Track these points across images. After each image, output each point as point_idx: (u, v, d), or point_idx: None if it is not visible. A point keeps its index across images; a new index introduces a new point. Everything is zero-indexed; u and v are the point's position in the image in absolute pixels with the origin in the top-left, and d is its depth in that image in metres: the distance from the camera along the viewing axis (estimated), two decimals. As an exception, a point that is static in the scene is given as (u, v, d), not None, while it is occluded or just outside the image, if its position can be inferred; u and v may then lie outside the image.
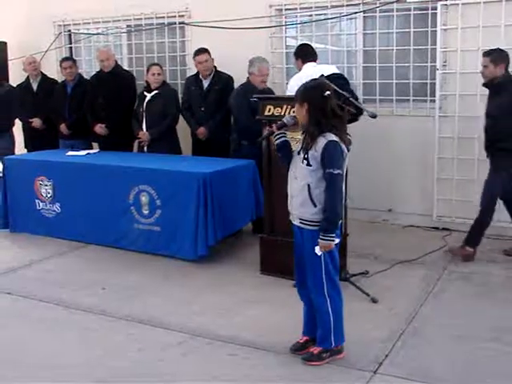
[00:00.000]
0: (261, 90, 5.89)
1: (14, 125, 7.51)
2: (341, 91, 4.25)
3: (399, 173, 6.36)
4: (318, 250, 3.49)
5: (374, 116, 4.44)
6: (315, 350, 3.65)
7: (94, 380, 3.51)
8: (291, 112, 4.76)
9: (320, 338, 3.63)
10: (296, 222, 3.64)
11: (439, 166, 6.21)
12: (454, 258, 5.37)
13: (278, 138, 3.71)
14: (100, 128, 6.69)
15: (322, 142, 3.41)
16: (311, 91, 3.49)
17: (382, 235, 5.91)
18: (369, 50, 6.50)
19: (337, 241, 3.52)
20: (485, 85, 5.24)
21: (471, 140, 5.94)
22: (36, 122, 7.19)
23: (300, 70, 5.49)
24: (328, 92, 3.45)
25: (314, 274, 3.58)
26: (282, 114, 4.79)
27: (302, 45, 5.87)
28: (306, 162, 3.47)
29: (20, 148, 7.59)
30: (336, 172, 3.40)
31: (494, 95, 5.17)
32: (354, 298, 4.47)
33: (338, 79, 5.18)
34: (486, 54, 5.19)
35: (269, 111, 4.88)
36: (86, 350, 3.87)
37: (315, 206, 3.48)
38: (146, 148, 6.46)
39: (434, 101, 6.17)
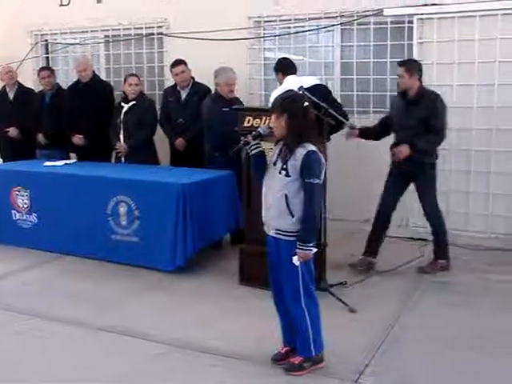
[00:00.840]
0: (229, 99, 5.94)
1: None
2: (320, 103, 4.30)
3: (376, 184, 6.39)
4: (295, 260, 3.50)
5: (353, 127, 4.52)
6: (296, 359, 3.66)
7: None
8: (266, 123, 4.82)
9: (300, 347, 3.64)
10: (272, 233, 3.65)
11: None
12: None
13: (254, 149, 3.72)
14: (77, 138, 6.66)
15: (300, 152, 3.44)
16: (290, 102, 3.52)
17: (359, 245, 5.94)
18: (346, 62, 6.57)
19: (314, 250, 3.54)
20: (401, 94, 5.23)
21: (447, 151, 6.02)
22: (12, 132, 7.12)
23: (281, 83, 5.53)
24: (306, 103, 3.49)
25: (291, 285, 3.60)
26: (262, 124, 4.81)
27: (282, 59, 5.94)
28: (284, 172, 3.48)
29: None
30: (316, 182, 3.44)
31: (410, 106, 5.11)
32: (333, 308, 4.50)
33: (320, 90, 5.26)
34: (401, 63, 5.18)
35: (248, 122, 4.91)
36: (69, 362, 3.83)
37: (292, 216, 3.49)
38: (123, 158, 6.43)
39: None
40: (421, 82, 5.14)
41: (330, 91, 5.47)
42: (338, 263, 5.42)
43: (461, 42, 5.92)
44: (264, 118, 4.82)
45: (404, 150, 5.03)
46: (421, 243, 6.16)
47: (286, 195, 3.49)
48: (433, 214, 5.30)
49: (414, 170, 5.18)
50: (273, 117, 3.55)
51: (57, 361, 3.84)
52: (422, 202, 5.33)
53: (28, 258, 5.90)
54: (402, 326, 4.28)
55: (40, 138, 6.96)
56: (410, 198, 6.23)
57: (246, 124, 4.90)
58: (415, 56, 6.08)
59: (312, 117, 3.52)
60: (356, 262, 5.39)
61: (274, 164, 3.57)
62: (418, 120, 5.03)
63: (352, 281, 5.12)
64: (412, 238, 6.31)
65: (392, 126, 5.27)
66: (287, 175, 3.48)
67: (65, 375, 3.65)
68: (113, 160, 6.83)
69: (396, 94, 5.44)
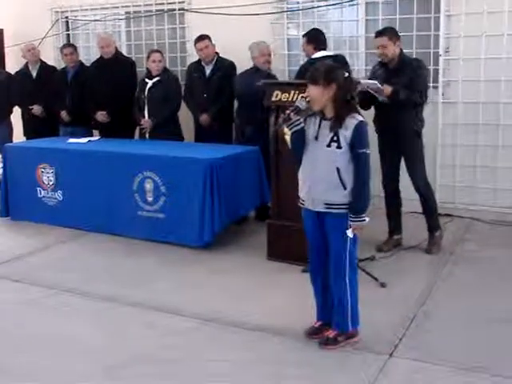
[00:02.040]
0: (266, 73, 5.88)
1: (12, 112, 7.46)
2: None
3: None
4: (350, 233, 3.48)
5: (385, 101, 4.49)
6: (331, 333, 3.66)
7: (117, 363, 3.51)
8: (299, 97, 4.77)
9: (337, 321, 3.64)
10: (319, 208, 3.57)
11: (442, 152, 6.23)
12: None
13: (296, 125, 3.59)
14: (101, 115, 6.65)
15: (351, 122, 3.41)
16: (338, 72, 3.47)
17: (384, 221, 5.91)
18: (371, 36, 6.48)
19: (367, 220, 3.49)
20: (384, 64, 5.11)
21: (475, 126, 5.98)
22: (36, 109, 7.11)
23: (308, 55, 5.48)
24: (347, 73, 3.46)
25: (337, 259, 3.56)
26: (290, 99, 4.78)
27: (316, 30, 5.87)
28: (335, 144, 3.43)
29: (18, 136, 7.51)
30: (368, 152, 3.44)
31: (394, 75, 4.98)
32: (363, 283, 4.41)
33: (340, 61, 5.23)
34: (381, 33, 5.05)
35: (276, 97, 4.87)
36: (104, 336, 3.85)
37: (345, 188, 3.46)
38: (147, 135, 6.41)
39: (437, 87, 6.17)
40: (401, 49, 5.06)
41: (347, 63, 5.43)
42: (363, 238, 5.38)
43: (489, 13, 5.80)
44: (292, 92, 4.79)
45: (388, 89, 4.85)
46: (445, 218, 6.12)
47: (338, 168, 3.44)
48: (423, 185, 5.20)
49: (400, 140, 5.08)
50: (315, 88, 3.48)
51: (90, 336, 3.86)
52: (409, 173, 5.18)
53: (54, 234, 5.93)
54: (433, 301, 4.26)
55: (63, 115, 6.95)
56: (437, 173, 6.25)
57: (274, 98, 4.87)
58: (442, 29, 6.01)
59: (355, 87, 3.49)
60: (382, 245, 5.34)
61: (316, 138, 3.52)
62: (403, 85, 4.90)
63: (380, 256, 5.12)
64: (439, 214, 6.24)
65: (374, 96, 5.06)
66: (338, 147, 3.43)
67: (99, 351, 3.66)
68: (136, 136, 6.83)
69: (376, 64, 5.29)
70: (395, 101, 4.86)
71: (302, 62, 6.10)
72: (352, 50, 6.57)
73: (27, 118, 7.32)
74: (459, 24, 5.97)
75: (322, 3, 6.60)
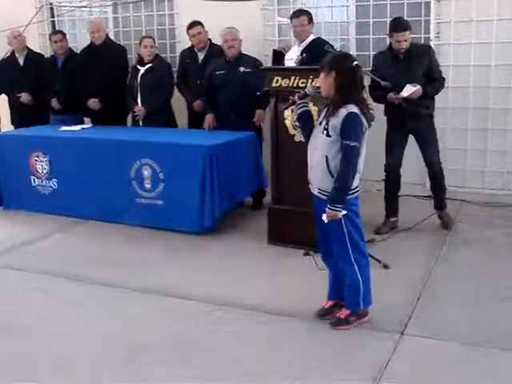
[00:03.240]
0: (234, 58, 5.98)
1: (-3, 100, 7.38)
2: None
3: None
4: (324, 218, 3.53)
5: (389, 87, 4.56)
6: (342, 313, 3.74)
7: (135, 348, 3.55)
8: (299, 83, 4.83)
9: (349, 301, 3.72)
10: (315, 192, 3.67)
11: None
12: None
13: (300, 108, 3.74)
14: (93, 103, 6.61)
15: (342, 112, 3.44)
16: (340, 60, 3.53)
17: (378, 204, 6.00)
18: (361, 22, 6.55)
19: (343, 212, 3.51)
20: (391, 54, 5.19)
21: (465, 110, 6.09)
22: (24, 97, 7.03)
23: (302, 37, 5.58)
24: (356, 62, 3.49)
25: (338, 242, 3.65)
26: (290, 85, 4.83)
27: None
28: (325, 132, 3.50)
29: (6, 124, 7.44)
30: (352, 144, 3.42)
31: (407, 62, 5.09)
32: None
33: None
34: (405, 27, 5.04)
35: (276, 82, 4.90)
36: (118, 322, 3.89)
37: (333, 177, 3.51)
38: (141, 122, 6.40)
39: (428, 71, 6.27)
40: None
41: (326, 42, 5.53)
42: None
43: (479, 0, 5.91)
44: (293, 77, 4.83)
45: (419, 90, 4.99)
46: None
47: (326, 156, 3.51)
48: (438, 162, 5.38)
49: (416, 123, 5.22)
50: (321, 75, 3.54)
51: (99, 323, 3.89)
52: (426, 153, 5.35)
53: (51, 223, 5.92)
54: (437, 280, 4.39)
55: (54, 103, 6.89)
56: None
57: (274, 84, 4.90)
58: (433, 15, 6.10)
59: (360, 78, 3.52)
60: (380, 227, 5.44)
61: (320, 124, 3.59)
62: (421, 74, 5.08)
63: (378, 238, 5.22)
64: (429, 197, 6.37)
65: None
66: (328, 135, 3.50)
67: (110, 336, 3.70)
68: (129, 124, 6.82)
69: (381, 53, 5.36)
70: (426, 97, 5.08)
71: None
72: (343, 35, 6.63)
73: (15, 106, 7.22)
74: (449, 9, 6.05)
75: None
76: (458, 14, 6.01)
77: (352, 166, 3.48)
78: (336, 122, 3.46)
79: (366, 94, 3.74)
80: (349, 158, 3.45)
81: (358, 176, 3.57)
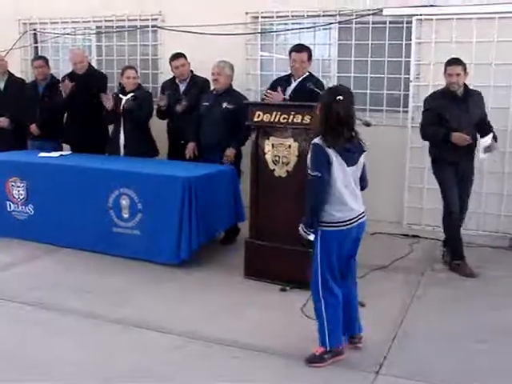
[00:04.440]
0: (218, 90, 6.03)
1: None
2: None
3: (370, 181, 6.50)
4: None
5: (368, 124, 4.58)
6: (317, 350, 3.73)
7: (101, 379, 3.50)
8: (281, 118, 4.87)
9: (320, 338, 3.71)
10: None
11: (410, 174, 6.42)
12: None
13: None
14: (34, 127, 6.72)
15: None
16: (324, 94, 3.74)
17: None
18: (343, 60, 6.65)
19: (310, 236, 3.62)
20: (444, 94, 5.26)
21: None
22: (3, 121, 6.98)
23: (300, 73, 5.66)
24: (339, 97, 3.52)
25: (312, 278, 3.70)
26: (272, 120, 4.87)
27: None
28: None
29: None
30: (313, 174, 3.54)
31: (465, 104, 5.19)
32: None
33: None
34: (458, 62, 5.16)
35: (258, 117, 4.94)
36: (86, 352, 3.84)
37: None
38: (122, 149, 6.37)
39: (407, 111, 6.38)
40: None
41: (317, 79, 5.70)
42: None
43: (458, 43, 6.04)
44: (274, 113, 4.87)
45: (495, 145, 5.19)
46: (412, 239, 6.29)
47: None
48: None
49: (468, 164, 5.35)
50: None
51: (74, 354, 3.82)
52: (465, 195, 5.43)
53: (25, 249, 5.84)
54: (412, 319, 4.39)
55: (33, 128, 6.85)
56: (405, 195, 6.42)
57: (256, 118, 4.93)
58: (413, 56, 6.22)
59: (341, 111, 3.53)
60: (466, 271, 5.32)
61: None
62: (478, 116, 5.22)
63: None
64: (406, 235, 6.42)
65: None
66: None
67: (83, 369, 3.64)
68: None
69: (436, 93, 5.41)
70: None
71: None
72: (324, 72, 6.71)
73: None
74: (429, 51, 6.18)
75: (296, 26, 6.72)
76: (438, 55, 6.12)
77: (312, 195, 3.58)
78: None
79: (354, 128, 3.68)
80: (309, 186, 3.60)
81: (336, 209, 3.58)
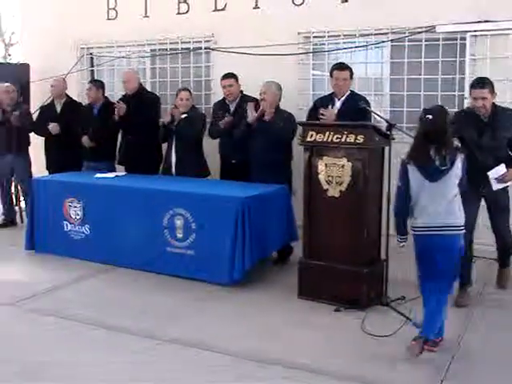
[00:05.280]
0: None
1: (30, 144, 7.53)
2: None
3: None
4: None
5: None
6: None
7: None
8: (334, 138, 4.86)
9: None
10: None
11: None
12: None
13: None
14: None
15: None
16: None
17: (410, 261, 5.93)
18: (396, 78, 6.61)
19: (402, 243, 4.23)
20: (472, 115, 4.82)
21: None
22: (53, 127, 7.14)
23: (342, 91, 5.68)
24: (427, 115, 3.90)
25: None
26: (325, 140, 4.86)
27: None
28: None
29: (40, 169, 7.56)
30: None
31: (491, 126, 4.77)
32: (398, 322, 4.51)
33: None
34: (483, 85, 4.71)
35: (311, 137, 4.94)
36: (142, 375, 3.85)
37: None
38: (174, 169, 6.46)
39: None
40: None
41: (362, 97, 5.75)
42: (392, 279, 5.40)
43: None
44: (327, 132, 4.86)
45: (508, 176, 4.77)
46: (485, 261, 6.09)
47: None
48: (509, 234, 5.10)
49: (501, 196, 4.95)
50: None
51: (129, 374, 3.86)
52: (496, 222, 5.07)
53: (81, 268, 5.93)
54: (467, 343, 4.26)
55: (85, 139, 6.98)
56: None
57: (309, 139, 4.93)
58: (468, 73, 6.13)
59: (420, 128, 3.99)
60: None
61: None
62: (504, 142, 4.80)
63: (408, 296, 5.11)
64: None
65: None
66: None
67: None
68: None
69: (461, 113, 5.12)
70: None
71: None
72: (377, 91, 6.69)
73: (51, 151, 7.38)
74: (484, 67, 6.08)
75: (347, 45, 6.73)
76: (492, 71, 6.01)
77: (395, 202, 4.11)
78: None
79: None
80: None
81: (415, 215, 4.03)
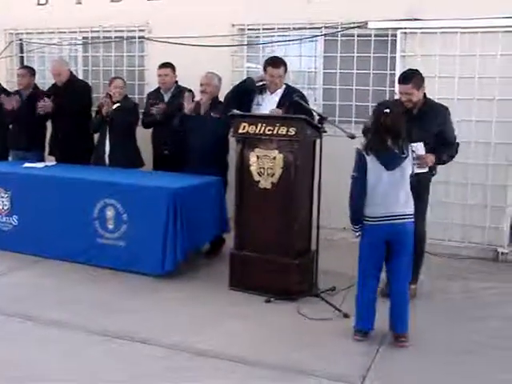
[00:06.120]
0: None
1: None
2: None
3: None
4: None
5: (352, 137, 4.63)
6: None
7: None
8: (266, 130, 4.89)
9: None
10: None
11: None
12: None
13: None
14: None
15: None
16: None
17: (341, 252, 6.02)
18: (328, 72, 6.70)
19: (356, 233, 4.20)
20: (408, 111, 4.71)
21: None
22: None
23: (277, 85, 5.61)
24: (386, 110, 4.04)
25: None
26: (257, 132, 4.88)
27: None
28: None
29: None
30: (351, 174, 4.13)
31: (420, 120, 4.74)
32: (326, 312, 4.59)
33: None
34: (405, 81, 4.76)
35: (243, 128, 4.95)
36: (71, 364, 3.81)
37: None
38: (107, 159, 6.37)
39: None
40: (424, 93, 4.89)
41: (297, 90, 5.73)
42: (323, 270, 5.48)
43: (442, 56, 6.10)
44: (259, 124, 4.89)
45: (431, 158, 4.73)
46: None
47: None
48: (422, 230, 4.97)
49: (420, 185, 4.74)
50: None
51: (54, 365, 3.80)
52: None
53: (9, 260, 5.79)
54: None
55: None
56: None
57: (241, 130, 4.95)
58: (398, 69, 6.26)
59: (383, 122, 4.07)
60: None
61: None
62: (432, 134, 4.79)
63: (339, 287, 5.20)
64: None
65: None
66: None
67: (74, 377, 3.64)
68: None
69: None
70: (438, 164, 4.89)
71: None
72: (310, 84, 6.75)
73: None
74: (414, 65, 6.20)
75: (281, 38, 6.76)
76: (422, 68, 6.13)
77: (350, 192, 4.14)
78: None
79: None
80: None
81: (369, 204, 4.08)
